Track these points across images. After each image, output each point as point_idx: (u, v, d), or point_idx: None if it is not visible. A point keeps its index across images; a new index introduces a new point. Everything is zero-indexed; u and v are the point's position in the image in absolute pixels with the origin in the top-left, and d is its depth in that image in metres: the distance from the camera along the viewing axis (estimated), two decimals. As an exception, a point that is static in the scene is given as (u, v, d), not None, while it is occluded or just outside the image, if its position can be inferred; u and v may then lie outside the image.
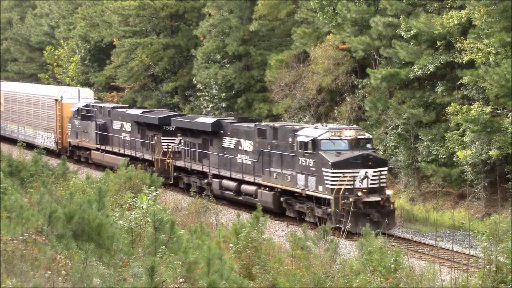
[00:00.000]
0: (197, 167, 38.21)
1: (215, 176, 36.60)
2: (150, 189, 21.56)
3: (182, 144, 39.81)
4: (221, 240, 20.76)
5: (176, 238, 16.13)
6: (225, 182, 35.88)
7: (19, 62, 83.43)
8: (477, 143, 33.23)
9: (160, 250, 15.41)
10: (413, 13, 37.30)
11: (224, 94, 49.81)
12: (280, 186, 32.47)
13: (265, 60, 47.15)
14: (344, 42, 41.00)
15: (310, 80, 42.95)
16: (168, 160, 40.44)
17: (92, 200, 16.46)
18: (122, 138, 44.68)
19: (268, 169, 33.10)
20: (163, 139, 41.06)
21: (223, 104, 50.35)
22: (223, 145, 36.58)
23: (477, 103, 33.42)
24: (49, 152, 49.32)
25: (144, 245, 16.46)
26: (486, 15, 32.02)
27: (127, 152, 43.53)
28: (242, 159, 35.15)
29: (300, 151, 30.99)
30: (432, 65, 35.46)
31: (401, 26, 36.65)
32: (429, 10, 37.12)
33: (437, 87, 36.28)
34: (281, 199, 32.65)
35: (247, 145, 35.09)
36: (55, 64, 74.15)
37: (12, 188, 20.62)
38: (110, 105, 48.74)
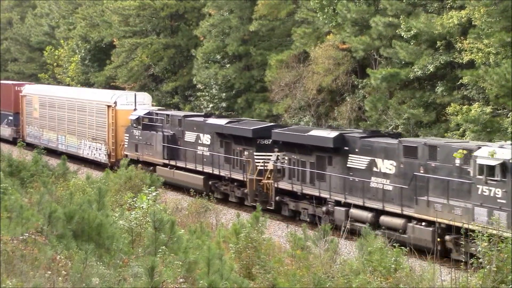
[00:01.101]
0: (311, 191, 31.14)
1: (339, 203, 29.74)
2: (150, 189, 21.57)
3: (285, 161, 33.08)
4: (221, 240, 20.78)
5: (176, 238, 16.14)
6: (355, 211, 28.75)
7: (19, 62, 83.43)
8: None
9: (160, 250, 15.41)
10: (413, 13, 37.29)
11: (224, 94, 49.82)
12: (445, 221, 25.07)
13: (265, 60, 47.15)
14: (344, 42, 40.99)
15: (310, 80, 42.94)
16: (266, 181, 33.89)
17: (92, 200, 16.47)
18: (199, 153, 37.99)
19: (424, 198, 26.12)
20: (256, 155, 34.40)
21: (223, 104, 50.35)
22: (348, 165, 29.83)
23: (477, 103, 33.42)
24: (97, 165, 45.53)
25: (144, 245, 16.46)
26: (486, 15, 32.02)
27: (206, 169, 37.05)
28: (380, 183, 28.42)
29: (480, 177, 24.11)
30: (432, 65, 35.46)
31: (401, 26, 36.65)
32: (429, 10, 37.12)
33: (437, 87, 36.28)
34: (446, 237, 25.27)
35: (386, 166, 28.41)
36: (55, 64, 74.14)
37: (12, 188, 20.63)
38: (181, 113, 41.72)
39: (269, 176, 33.62)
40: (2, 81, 68.80)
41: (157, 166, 40.52)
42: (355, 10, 39.27)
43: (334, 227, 26.09)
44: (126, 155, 42.51)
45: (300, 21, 46.09)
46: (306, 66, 44.07)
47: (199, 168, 37.53)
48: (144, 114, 42.59)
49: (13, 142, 57.76)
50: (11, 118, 60.87)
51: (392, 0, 37.78)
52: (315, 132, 31.50)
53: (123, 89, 59.65)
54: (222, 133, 36.43)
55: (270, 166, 33.75)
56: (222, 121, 37.04)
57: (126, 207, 21.04)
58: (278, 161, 33.43)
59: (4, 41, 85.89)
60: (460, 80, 34.30)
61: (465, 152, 24.45)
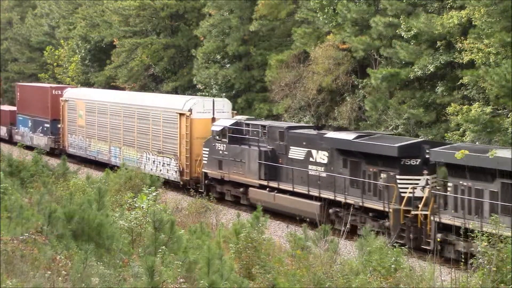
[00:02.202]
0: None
1: None
2: (150, 189, 21.58)
3: (449, 188, 25.88)
4: (221, 240, 20.76)
5: (176, 238, 16.14)
6: None
7: (19, 62, 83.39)
8: (477, 143, 33.21)
9: (160, 250, 15.42)
10: (413, 13, 37.28)
11: (224, 94, 49.80)
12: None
13: (265, 60, 47.15)
14: (345, 42, 40.98)
15: (310, 80, 42.93)
16: (419, 212, 26.43)
17: (92, 200, 16.47)
18: (312, 173, 31.13)
19: None
20: (401, 179, 27.55)
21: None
22: None
23: (477, 103, 33.40)
24: (165, 183, 35.63)
25: (144, 245, 16.47)
26: (486, 15, 32.00)
27: (323, 193, 30.13)
28: None
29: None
30: (432, 65, 35.46)
31: (401, 26, 36.64)
32: (429, 10, 37.11)
33: (437, 87, 36.27)
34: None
35: None
36: (55, 64, 74.12)
37: (12, 188, 20.64)
38: (282, 124, 34.70)
39: (421, 206, 26.41)
40: (37, 84, 63.58)
41: (250, 188, 33.68)
42: (355, 10, 39.26)
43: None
44: (206, 173, 36.56)
45: (300, 21, 46.08)
46: (306, 66, 44.06)
47: (314, 192, 30.47)
48: (231, 125, 35.54)
49: (50, 152, 51.12)
50: (47, 125, 54.14)
51: (392, 0, 37.77)
52: (504, 153, 24.01)
53: (123, 89, 59.65)
54: (347, 150, 29.39)
55: (420, 192, 26.93)
56: (349, 135, 29.89)
57: (126, 207, 21.04)
58: (437, 187, 27.16)
59: (4, 41, 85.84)
60: (460, 80, 34.29)
61: (466, 152, 24.43)
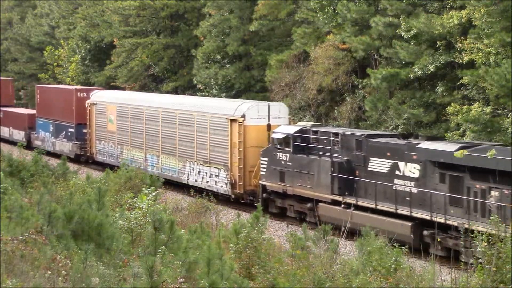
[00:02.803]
0: None
1: None
2: (150, 189, 21.57)
3: None
4: (221, 240, 20.76)
5: (176, 238, 16.13)
6: None
7: (19, 62, 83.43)
8: None
9: (160, 250, 15.41)
10: (413, 13, 37.29)
11: (224, 94, 49.81)
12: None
13: (265, 60, 47.16)
14: (345, 42, 40.99)
15: (310, 80, 42.95)
16: None
17: (92, 200, 16.47)
18: (400, 189, 27.00)
19: None
20: None
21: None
22: None
23: (477, 103, 33.41)
24: (208, 194, 33.57)
25: (144, 245, 16.46)
26: (486, 15, 32.01)
27: (415, 212, 25.99)
28: None
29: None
30: (432, 65, 35.46)
31: (401, 26, 36.65)
32: (429, 10, 37.12)
33: (437, 87, 36.28)
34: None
35: None
36: (55, 64, 74.15)
37: (12, 188, 20.64)
38: (360, 132, 30.21)
39: None
40: (59, 86, 60.06)
41: (321, 203, 29.76)
42: (355, 10, 39.27)
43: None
44: (264, 186, 32.83)
45: (300, 21, 46.10)
46: (306, 66, 44.08)
47: (403, 210, 26.44)
48: (296, 132, 31.55)
49: (75, 159, 48.24)
50: (71, 130, 49.94)
51: (392, 0, 37.78)
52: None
53: (123, 89, 59.65)
54: (447, 163, 25.11)
55: None
56: (449, 146, 25.45)
57: (126, 207, 21.04)
58: None
59: (4, 41, 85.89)
60: (460, 80, 34.30)
61: (465, 152, 24.43)
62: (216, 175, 35.74)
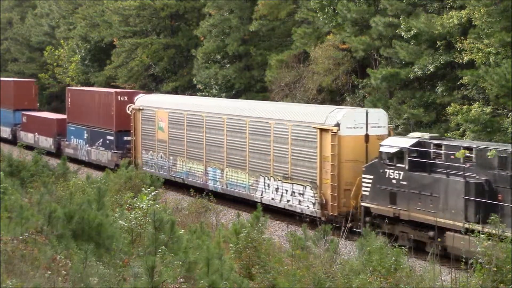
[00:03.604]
0: None
1: None
2: (149, 189, 21.58)
3: None
4: (221, 240, 20.76)
5: (176, 238, 16.13)
6: None
7: (19, 62, 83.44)
8: None
9: (160, 250, 15.42)
10: (413, 13, 37.30)
11: (224, 94, 49.82)
12: None
13: (265, 60, 47.17)
14: (344, 42, 41.00)
15: (310, 80, 42.95)
16: None
17: (92, 200, 16.47)
18: None
19: None
20: None
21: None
22: None
23: (477, 103, 33.41)
24: (291, 215, 31.49)
25: (144, 245, 16.46)
26: (486, 15, 32.01)
27: None
28: None
29: None
30: (432, 65, 35.47)
31: (401, 26, 36.65)
32: (429, 10, 37.13)
33: (437, 87, 36.28)
34: None
35: None
36: (55, 64, 74.12)
37: (12, 188, 20.64)
38: (502, 147, 24.70)
39: None
40: (95, 89, 55.31)
41: (449, 232, 24.56)
42: (355, 10, 39.27)
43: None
44: (367, 209, 27.92)
45: (300, 21, 46.11)
46: (306, 66, 44.08)
47: None
48: (412, 145, 26.59)
49: (115, 170, 39.08)
50: (110, 138, 45.14)
51: (392, 0, 37.78)
52: None
53: (123, 89, 59.63)
54: None
55: None
56: None
57: (126, 207, 21.04)
58: None
59: (4, 41, 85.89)
60: (460, 80, 34.30)
61: (466, 152, 24.43)
62: (300, 193, 30.98)
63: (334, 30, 41.78)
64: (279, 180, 32.13)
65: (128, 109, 43.55)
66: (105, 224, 15.27)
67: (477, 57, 32.77)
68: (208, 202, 32.40)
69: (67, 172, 32.80)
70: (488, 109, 32.46)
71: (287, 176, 31.69)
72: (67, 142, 50.87)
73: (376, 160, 27.68)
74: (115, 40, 60.67)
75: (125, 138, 43.84)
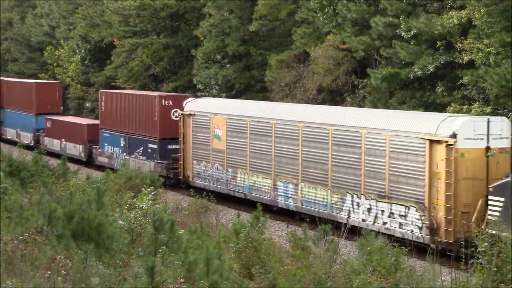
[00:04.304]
0: None
1: None
2: (149, 189, 21.58)
3: None
4: (221, 240, 20.77)
5: (176, 238, 16.14)
6: None
7: (19, 62, 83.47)
8: None
9: (160, 250, 15.42)
10: (413, 13, 37.31)
11: (224, 94, 49.83)
12: None
13: (265, 60, 47.19)
14: (345, 42, 41.01)
15: (310, 80, 42.96)
16: None
17: (91, 200, 16.47)
18: None
19: None
20: None
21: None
22: None
23: (477, 103, 33.42)
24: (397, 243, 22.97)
25: (144, 245, 16.47)
26: (486, 15, 32.03)
27: None
28: None
29: None
30: (432, 65, 35.48)
31: (401, 26, 36.66)
32: (429, 10, 37.13)
33: (437, 87, 36.29)
34: None
35: None
36: (55, 64, 74.14)
37: (12, 188, 20.65)
38: None
39: None
40: (136, 92, 49.23)
41: None
42: (355, 10, 39.29)
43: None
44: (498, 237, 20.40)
45: (300, 21, 46.12)
46: (306, 66, 44.09)
47: None
48: None
49: (169, 184, 38.42)
50: (153, 146, 40.75)
51: (392, 0, 37.79)
52: None
53: (123, 89, 59.60)
54: None
55: None
56: None
57: (126, 207, 21.05)
58: None
59: (4, 41, 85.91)
60: (460, 80, 34.31)
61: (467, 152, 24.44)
62: (401, 215, 26.67)
63: (334, 30, 41.79)
64: (372, 199, 27.75)
65: (173, 115, 39.82)
66: (105, 224, 15.27)
67: (477, 57, 32.78)
68: (208, 202, 32.40)
69: (67, 172, 32.80)
70: (488, 109, 32.46)
71: (383, 194, 27.36)
72: (100, 150, 46.35)
73: (510, 179, 23.15)
74: (115, 40, 60.69)
75: (170, 146, 39.88)
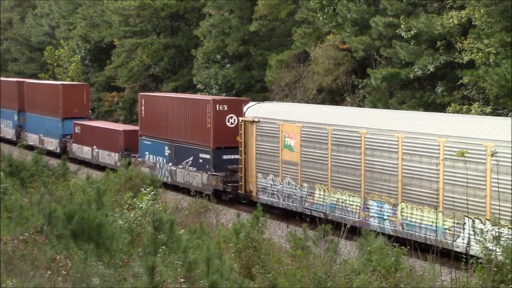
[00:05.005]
0: None
1: None
2: (149, 189, 21.58)
3: None
4: (221, 240, 20.76)
5: (176, 238, 16.14)
6: None
7: (19, 62, 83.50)
8: None
9: (160, 250, 15.42)
10: (413, 13, 37.33)
11: (224, 94, 49.85)
12: None
13: (265, 60, 47.20)
14: (345, 42, 41.02)
15: (310, 80, 42.97)
16: None
17: (91, 200, 16.47)
18: None
19: None
20: None
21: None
22: None
23: (477, 103, 33.44)
24: None
25: (144, 245, 16.47)
26: (486, 15, 32.04)
27: None
28: None
29: None
30: (432, 65, 35.49)
31: (401, 26, 36.66)
32: (429, 10, 37.15)
33: (437, 87, 36.30)
34: None
35: None
36: (55, 64, 74.17)
37: (12, 188, 20.65)
38: None
39: None
40: (183, 95, 44.87)
41: None
42: (355, 10, 39.29)
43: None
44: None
45: (300, 21, 46.14)
46: (306, 66, 44.11)
47: None
48: None
49: (215, 196, 34.41)
50: (205, 156, 36.49)
51: (392, 0, 37.80)
52: None
53: (123, 89, 59.65)
54: None
55: None
56: None
57: (126, 207, 21.05)
58: None
59: (4, 41, 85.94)
60: (460, 80, 34.33)
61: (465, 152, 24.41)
62: None
63: (334, 30, 41.80)
64: (506, 226, 20.85)
65: (229, 121, 35.90)
66: (105, 224, 15.27)
67: (477, 57, 32.79)
68: (208, 202, 32.39)
69: (67, 172, 32.81)
70: (488, 109, 32.47)
71: None
72: (139, 159, 41.88)
73: None
74: (115, 40, 60.71)
75: (225, 156, 35.86)
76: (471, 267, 16.65)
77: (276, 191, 32.16)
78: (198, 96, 44.26)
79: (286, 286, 17.49)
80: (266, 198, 32.45)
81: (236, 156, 34.63)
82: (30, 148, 50.41)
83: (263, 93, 48.02)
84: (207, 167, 36.25)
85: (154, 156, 40.68)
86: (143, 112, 42.23)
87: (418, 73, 36.14)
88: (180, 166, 38.27)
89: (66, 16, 73.19)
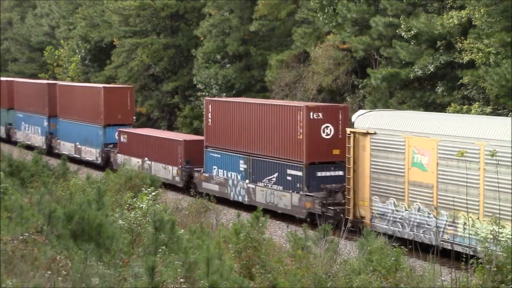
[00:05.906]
0: None
1: None
2: (149, 189, 21.58)
3: None
4: (221, 240, 20.76)
5: (176, 238, 16.14)
6: None
7: (19, 62, 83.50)
8: None
9: (160, 250, 15.42)
10: (413, 13, 37.32)
11: (224, 94, 49.83)
12: None
13: (265, 60, 47.19)
14: (345, 42, 41.01)
15: (310, 80, 42.96)
16: None
17: (91, 200, 16.47)
18: None
19: None
20: None
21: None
22: None
23: (477, 103, 33.44)
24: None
25: (144, 245, 16.47)
26: (486, 15, 32.04)
27: None
28: None
29: None
30: (432, 65, 35.49)
31: (402, 26, 36.66)
32: (429, 10, 37.14)
33: (438, 87, 36.29)
34: None
35: None
36: (55, 64, 74.16)
37: (12, 188, 20.65)
38: None
39: None
40: (263, 101, 37.65)
41: None
42: (355, 10, 39.29)
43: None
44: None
45: (300, 21, 46.12)
46: (306, 66, 44.10)
47: None
48: None
49: (304, 220, 29.98)
50: (295, 173, 31.56)
51: (392, 0, 37.80)
52: None
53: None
54: None
55: None
56: None
57: (126, 207, 21.06)
58: None
59: (4, 41, 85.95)
60: (460, 80, 34.33)
61: (465, 152, 24.41)
62: None
63: (334, 30, 41.80)
64: None
65: (324, 131, 31.20)
66: (105, 224, 15.28)
67: (477, 57, 32.79)
68: (208, 202, 32.39)
69: (67, 172, 32.80)
70: (488, 109, 32.48)
71: None
72: (205, 174, 36.98)
73: None
74: (115, 40, 60.70)
75: (320, 173, 31.06)
76: (471, 267, 16.66)
77: (399, 219, 26.58)
78: (285, 102, 37.81)
79: (286, 286, 17.49)
80: (385, 226, 26.89)
81: (333, 173, 30.76)
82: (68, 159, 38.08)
83: (263, 93, 48.01)
84: (297, 186, 31.34)
85: (225, 171, 35.68)
86: (209, 120, 37.03)
87: (418, 73, 36.13)
88: (261, 184, 33.25)
89: (66, 16, 73.18)
